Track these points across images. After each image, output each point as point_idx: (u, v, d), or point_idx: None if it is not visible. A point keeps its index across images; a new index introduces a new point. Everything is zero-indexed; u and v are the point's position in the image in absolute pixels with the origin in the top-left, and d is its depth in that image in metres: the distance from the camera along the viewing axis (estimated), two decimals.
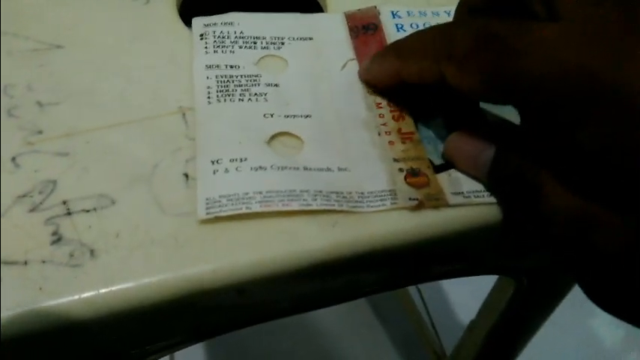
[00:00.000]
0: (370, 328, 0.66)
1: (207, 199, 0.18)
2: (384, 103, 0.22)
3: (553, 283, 0.28)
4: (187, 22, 0.24)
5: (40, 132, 0.19)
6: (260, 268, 0.17)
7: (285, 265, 0.18)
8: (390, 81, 0.21)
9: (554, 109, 0.16)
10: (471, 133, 0.20)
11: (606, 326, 0.67)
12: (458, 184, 0.20)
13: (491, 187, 0.19)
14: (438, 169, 0.20)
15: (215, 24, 0.24)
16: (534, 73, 0.16)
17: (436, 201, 0.19)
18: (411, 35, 0.21)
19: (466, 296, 0.51)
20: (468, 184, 0.20)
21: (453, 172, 0.20)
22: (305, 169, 0.20)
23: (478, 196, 0.19)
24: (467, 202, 0.19)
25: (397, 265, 0.20)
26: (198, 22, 0.24)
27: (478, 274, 0.25)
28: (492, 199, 0.19)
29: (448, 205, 0.19)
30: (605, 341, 0.67)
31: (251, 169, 0.19)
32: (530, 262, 0.24)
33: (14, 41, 0.23)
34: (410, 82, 0.20)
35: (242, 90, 0.22)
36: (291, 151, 0.20)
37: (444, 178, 0.20)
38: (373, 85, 0.22)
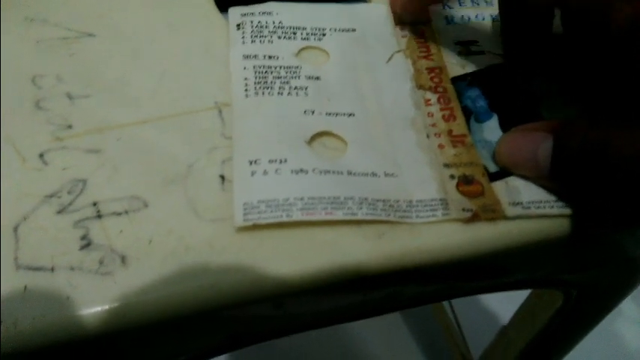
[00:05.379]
0: (395, 326, 0.64)
1: (245, 204, 0.17)
2: (433, 99, 0.20)
3: (606, 296, 0.26)
4: (223, 10, 0.23)
5: (70, 127, 0.18)
6: (300, 281, 0.16)
7: (327, 279, 0.16)
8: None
9: None
10: (526, 128, 0.18)
11: (631, 327, 0.65)
12: (516, 193, 0.18)
13: (557, 177, 0.17)
14: (494, 176, 0.18)
15: (253, 13, 0.22)
16: None
17: (493, 213, 0.17)
18: None
19: (491, 294, 0.50)
20: (528, 194, 0.18)
21: (510, 179, 0.18)
22: (349, 173, 0.18)
23: (539, 207, 0.18)
24: (526, 213, 0.17)
25: (446, 279, 0.19)
26: (235, 11, 0.22)
27: (525, 288, 0.23)
28: (555, 210, 0.18)
29: (505, 218, 0.17)
30: (630, 342, 0.64)
31: (291, 172, 0.18)
32: (589, 277, 0.23)
33: (43, 28, 0.21)
34: None
35: (281, 82, 0.20)
36: (334, 154, 0.19)
37: (500, 187, 0.18)
38: (406, 15, 0.22)
